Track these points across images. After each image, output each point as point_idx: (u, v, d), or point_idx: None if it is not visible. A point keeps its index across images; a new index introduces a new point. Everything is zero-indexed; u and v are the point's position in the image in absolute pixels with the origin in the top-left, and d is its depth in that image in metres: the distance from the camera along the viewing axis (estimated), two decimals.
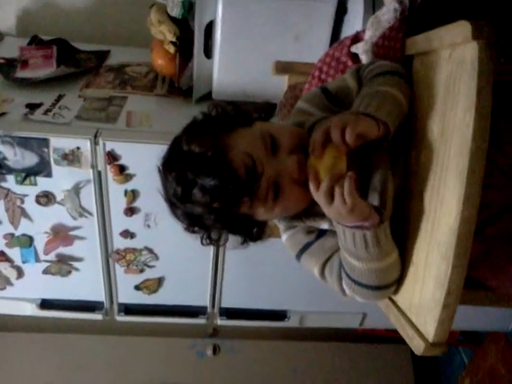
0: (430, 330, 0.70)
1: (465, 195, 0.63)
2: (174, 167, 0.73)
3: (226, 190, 0.68)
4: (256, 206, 0.73)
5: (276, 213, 0.75)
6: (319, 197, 0.68)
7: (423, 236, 0.74)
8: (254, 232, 0.80)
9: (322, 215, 0.81)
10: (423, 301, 0.72)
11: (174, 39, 1.62)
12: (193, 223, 0.77)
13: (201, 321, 2.01)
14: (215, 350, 2.57)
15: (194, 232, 0.79)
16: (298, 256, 0.84)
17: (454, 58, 0.69)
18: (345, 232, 0.71)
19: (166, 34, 1.61)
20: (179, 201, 0.73)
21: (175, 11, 1.57)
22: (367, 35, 1.00)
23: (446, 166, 0.69)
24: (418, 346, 0.72)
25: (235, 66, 1.62)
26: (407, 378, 2.61)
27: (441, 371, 2.69)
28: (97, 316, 1.99)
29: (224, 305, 1.99)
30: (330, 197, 0.67)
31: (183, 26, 1.64)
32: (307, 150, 0.71)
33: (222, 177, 0.68)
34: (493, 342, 2.14)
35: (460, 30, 0.66)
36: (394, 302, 0.83)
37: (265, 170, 0.70)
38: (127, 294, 1.93)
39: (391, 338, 2.42)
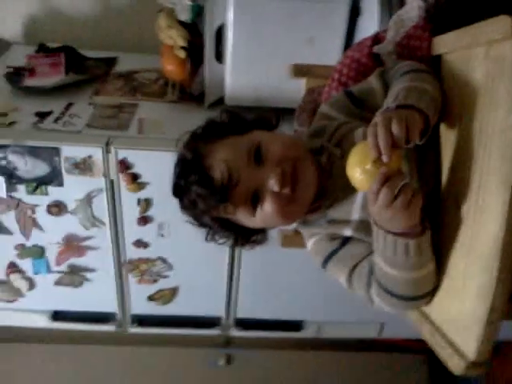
0: (470, 348, 0.65)
1: (510, 201, 0.59)
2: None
3: (204, 193, 0.72)
4: (237, 213, 0.75)
5: (257, 222, 0.76)
6: (385, 190, 0.61)
7: (461, 246, 0.69)
8: (251, 237, 0.83)
9: (344, 222, 0.79)
10: (462, 316, 0.68)
11: (184, 44, 1.58)
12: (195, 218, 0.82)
13: (215, 332, 1.98)
14: (228, 360, 2.52)
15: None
16: (324, 264, 0.81)
17: (492, 56, 0.65)
18: (386, 238, 0.67)
19: (176, 39, 1.58)
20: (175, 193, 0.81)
21: (184, 16, 1.54)
22: (389, 35, 0.97)
23: (486, 170, 0.64)
24: (456, 365, 0.68)
25: (248, 71, 1.59)
26: None
27: (458, 382, 2.61)
28: (109, 327, 1.97)
29: (239, 315, 1.95)
30: (394, 193, 0.61)
31: (192, 30, 1.61)
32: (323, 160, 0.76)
33: (198, 181, 0.73)
34: None
35: (499, 25, 0.62)
36: (426, 315, 0.78)
37: (241, 180, 0.72)
38: (140, 304, 1.90)
39: (408, 347, 2.35)
